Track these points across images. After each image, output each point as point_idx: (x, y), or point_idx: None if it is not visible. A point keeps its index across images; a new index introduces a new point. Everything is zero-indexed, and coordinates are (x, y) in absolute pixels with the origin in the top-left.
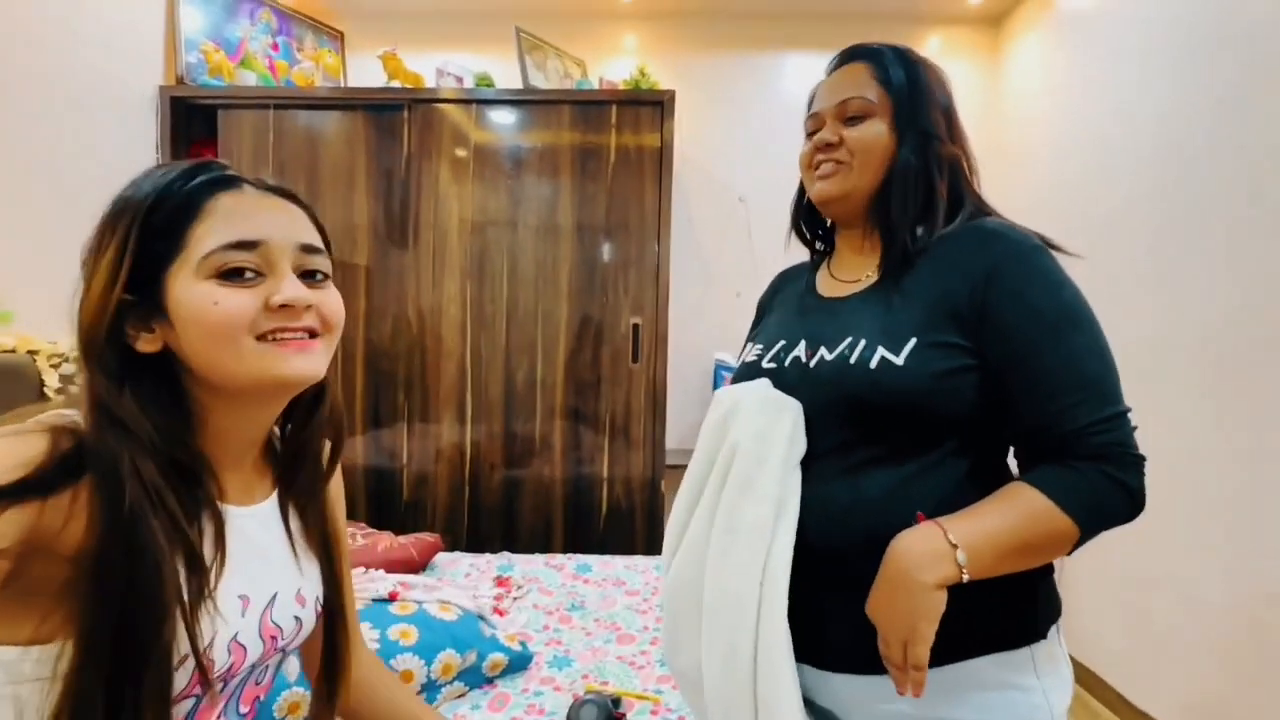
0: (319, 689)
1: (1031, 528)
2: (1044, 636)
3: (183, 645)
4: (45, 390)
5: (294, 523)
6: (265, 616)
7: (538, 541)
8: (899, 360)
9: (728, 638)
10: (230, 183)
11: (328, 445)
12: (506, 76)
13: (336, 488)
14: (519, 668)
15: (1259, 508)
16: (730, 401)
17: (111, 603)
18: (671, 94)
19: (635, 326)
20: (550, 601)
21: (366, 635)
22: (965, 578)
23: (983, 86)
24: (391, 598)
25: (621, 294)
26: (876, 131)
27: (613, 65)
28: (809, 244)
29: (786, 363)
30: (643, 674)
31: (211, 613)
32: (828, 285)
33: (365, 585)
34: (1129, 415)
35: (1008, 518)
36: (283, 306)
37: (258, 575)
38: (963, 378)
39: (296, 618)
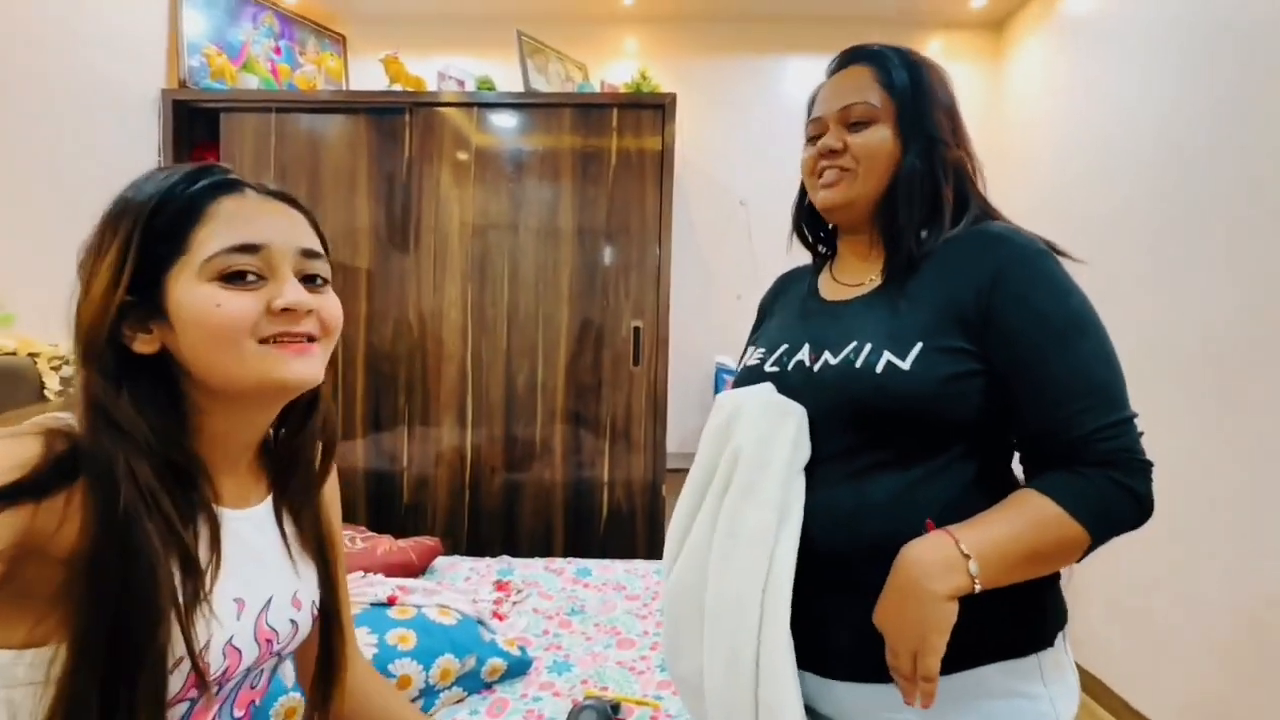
0: (313, 694)
1: (1042, 535)
2: (1051, 644)
3: (177, 648)
4: (46, 392)
5: (289, 526)
6: (260, 620)
7: (538, 545)
8: (905, 365)
9: (729, 644)
10: (232, 186)
11: (320, 450)
12: (508, 80)
13: (332, 492)
14: (518, 673)
15: (1260, 509)
16: (733, 406)
17: (106, 605)
18: (672, 97)
19: (636, 330)
20: (550, 606)
21: (365, 640)
22: (977, 588)
23: (984, 90)
24: (390, 602)
25: (622, 297)
26: (881, 137)
27: (614, 68)
28: (811, 247)
29: (790, 367)
30: (643, 679)
31: (207, 616)
32: (830, 289)
33: (364, 589)
34: (1135, 421)
35: (1018, 526)
36: (284, 310)
37: (253, 578)
38: (969, 382)
39: (292, 621)
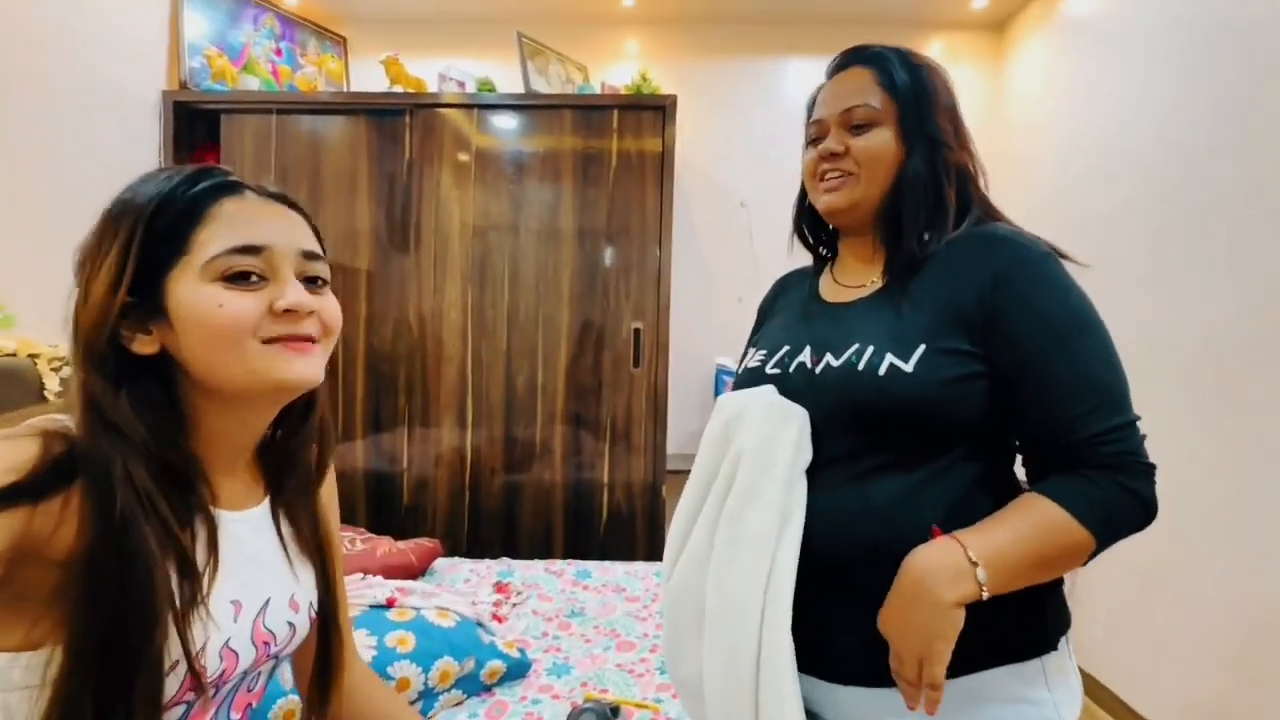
0: (310, 696)
1: (1049, 541)
2: (1054, 648)
3: (174, 651)
4: (46, 393)
5: (286, 528)
6: (258, 622)
7: (538, 547)
8: (908, 367)
9: (730, 647)
10: (233, 188)
11: (316, 452)
12: (508, 81)
13: (329, 494)
14: (517, 675)
15: (1260, 509)
16: (734, 408)
17: (102, 608)
18: (673, 99)
19: (636, 331)
20: (550, 608)
21: (364, 642)
22: (985, 595)
23: (986, 91)
24: (389, 604)
25: (623, 299)
26: (883, 140)
27: (614, 70)
28: (812, 248)
29: (791, 369)
30: (642, 682)
31: (204, 618)
32: (831, 290)
33: (363, 591)
34: (1138, 423)
35: (1025, 531)
36: (286, 311)
37: (250, 580)
38: (972, 384)
39: (290, 623)
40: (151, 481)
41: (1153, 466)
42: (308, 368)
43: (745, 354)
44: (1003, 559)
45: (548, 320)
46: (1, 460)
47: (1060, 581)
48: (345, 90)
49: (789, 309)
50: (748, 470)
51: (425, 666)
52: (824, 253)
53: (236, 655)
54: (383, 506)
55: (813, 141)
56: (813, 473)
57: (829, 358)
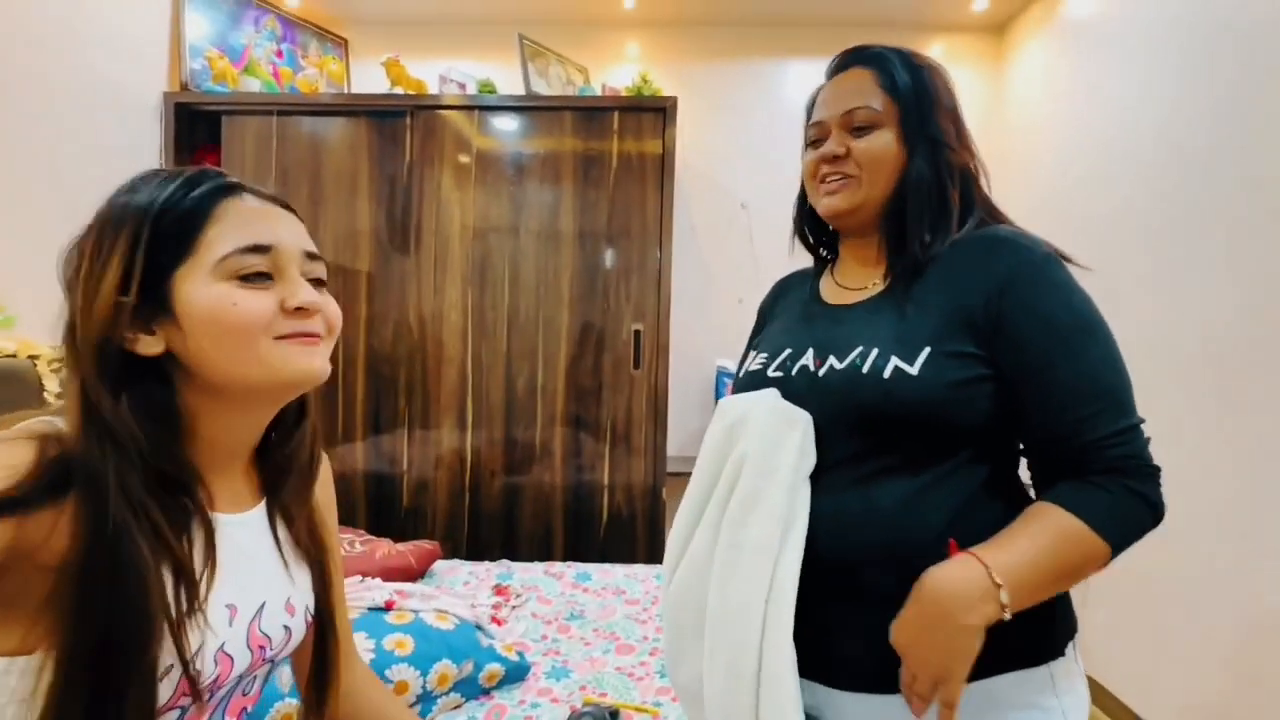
0: (308, 699)
1: (1068, 553)
2: (1062, 654)
3: (168, 656)
4: (45, 395)
5: (282, 531)
6: (253, 626)
7: (538, 549)
8: (913, 370)
9: (731, 652)
10: (234, 189)
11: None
12: (509, 83)
13: (327, 496)
14: (516, 679)
15: (1260, 510)
16: (736, 412)
17: (96, 616)
18: (673, 100)
19: (637, 333)
20: (549, 610)
21: (362, 645)
22: (1006, 616)
23: (986, 93)
24: (388, 606)
25: (623, 300)
26: (885, 142)
27: (615, 72)
28: (813, 250)
29: (794, 372)
30: (642, 685)
31: (202, 625)
32: (832, 292)
33: (361, 593)
34: (1142, 426)
35: (1043, 545)
36: (298, 309)
37: (246, 584)
38: (978, 387)
39: (285, 627)
40: (147, 489)
41: (1158, 469)
42: (319, 362)
43: (745, 356)
44: (1024, 577)
45: (548, 322)
46: None
47: None
48: (346, 92)
49: (789, 311)
50: (750, 475)
51: (423, 669)
52: (824, 254)
53: (232, 660)
54: (382, 508)
55: (813, 143)
56: (816, 476)
57: (832, 360)
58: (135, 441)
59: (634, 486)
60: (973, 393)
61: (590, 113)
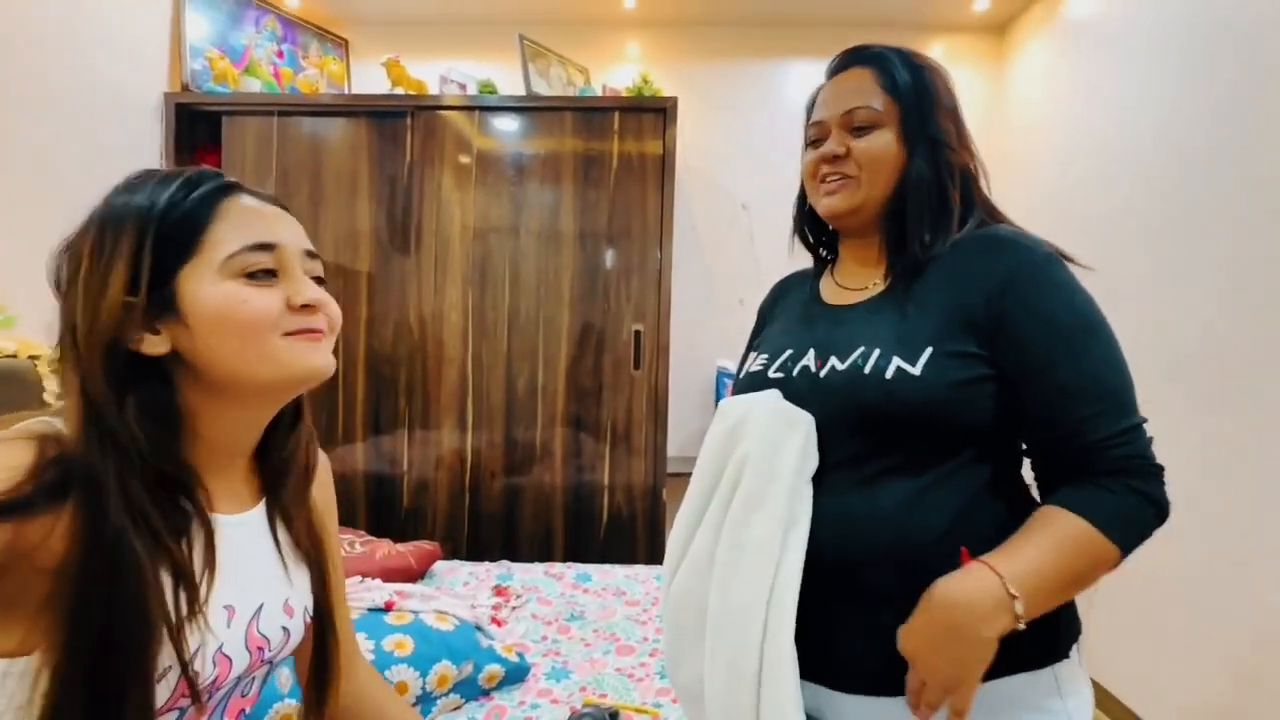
0: (308, 699)
1: (1079, 558)
2: (1066, 656)
3: (166, 658)
4: (46, 395)
5: (281, 532)
6: (251, 627)
7: (538, 549)
8: (915, 370)
9: (733, 655)
10: (233, 188)
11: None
12: (509, 83)
13: (327, 496)
14: (516, 680)
15: (1262, 512)
16: (737, 413)
17: (95, 620)
18: (674, 101)
19: (637, 333)
20: (549, 611)
21: (361, 645)
22: (1021, 626)
23: (987, 94)
24: (387, 607)
25: (623, 301)
26: (885, 142)
27: (615, 72)
28: (813, 250)
29: (794, 372)
30: (642, 686)
31: (201, 628)
32: (833, 293)
33: (361, 594)
34: (1145, 426)
35: (1056, 552)
36: (304, 306)
37: (245, 585)
38: (980, 387)
39: (284, 628)
40: (148, 491)
41: (1161, 468)
42: (325, 359)
43: (745, 358)
44: (1038, 585)
45: (548, 322)
46: None
47: None
48: (346, 92)
49: (789, 312)
50: (752, 477)
51: (423, 670)
52: (824, 254)
53: (230, 661)
54: (383, 509)
55: (813, 143)
56: (818, 477)
57: (834, 361)
58: (138, 443)
59: (634, 487)
60: (975, 393)
61: (591, 113)
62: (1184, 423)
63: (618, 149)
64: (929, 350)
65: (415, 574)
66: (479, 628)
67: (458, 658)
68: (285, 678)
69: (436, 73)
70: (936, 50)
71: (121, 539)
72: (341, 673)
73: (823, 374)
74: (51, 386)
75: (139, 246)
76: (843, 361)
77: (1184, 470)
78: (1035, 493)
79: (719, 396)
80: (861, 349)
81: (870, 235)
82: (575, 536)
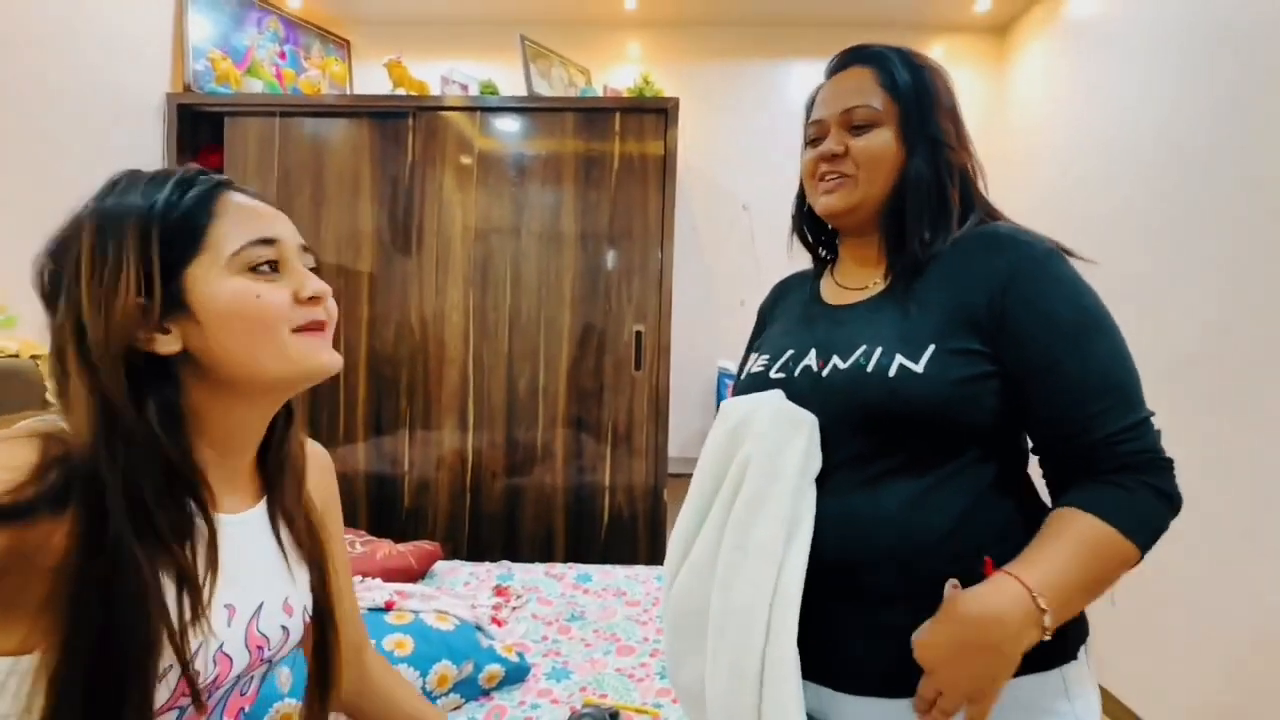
0: (309, 698)
1: (1101, 561)
2: (1074, 657)
3: (166, 657)
4: (48, 395)
5: (284, 531)
6: (251, 626)
7: (539, 550)
8: (918, 367)
9: (735, 656)
10: (225, 185)
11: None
12: (511, 84)
13: (331, 494)
14: (516, 680)
15: (1263, 513)
16: (739, 414)
17: (96, 623)
18: (675, 102)
19: (638, 334)
20: (549, 612)
21: None
22: (1047, 637)
23: (988, 94)
24: (388, 607)
25: (624, 301)
26: (884, 141)
27: (617, 73)
28: (812, 250)
29: (796, 373)
30: (642, 686)
31: (205, 632)
32: (833, 293)
33: (361, 594)
34: (1152, 419)
35: (1077, 559)
36: (311, 298)
37: (245, 584)
38: (983, 384)
39: (283, 627)
40: (155, 495)
41: (1171, 461)
42: (332, 355)
43: (746, 359)
44: (1065, 596)
45: (549, 323)
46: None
47: None
48: (348, 93)
49: (790, 313)
50: (755, 478)
51: (423, 670)
52: (824, 254)
53: (230, 660)
54: (383, 509)
55: (812, 142)
56: (822, 477)
57: (836, 360)
58: (152, 445)
59: (635, 488)
60: (978, 390)
61: (592, 114)
62: (1184, 423)
63: (619, 149)
64: (931, 348)
65: (416, 574)
66: (479, 628)
67: (458, 657)
68: (285, 677)
69: (438, 73)
70: (937, 51)
71: (124, 542)
72: (342, 671)
73: (825, 373)
74: (54, 387)
75: (144, 247)
76: (845, 360)
77: (1184, 470)
78: (1044, 490)
79: (720, 397)
80: (864, 347)
81: (869, 234)
82: (576, 537)
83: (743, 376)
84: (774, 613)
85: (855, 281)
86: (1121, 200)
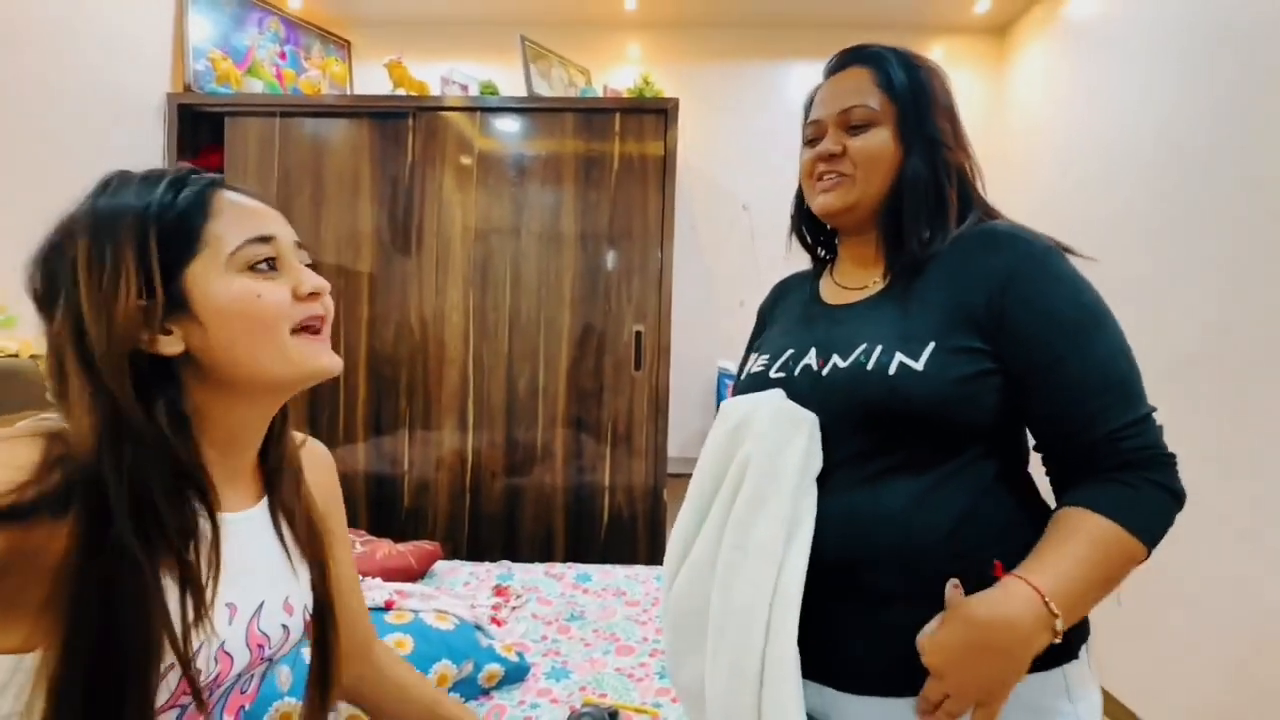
0: (309, 697)
1: (1110, 561)
2: (1076, 656)
3: (167, 656)
4: (48, 395)
5: (285, 529)
6: (252, 625)
7: (539, 550)
8: (919, 365)
9: (735, 656)
10: (218, 184)
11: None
12: (511, 84)
13: (333, 493)
14: (516, 679)
15: (1262, 513)
16: (739, 414)
17: (97, 624)
18: (675, 102)
19: (638, 334)
20: (549, 611)
21: None
22: (1058, 640)
23: (988, 95)
24: (387, 606)
25: (624, 302)
26: (881, 141)
27: (617, 74)
28: (811, 250)
29: (796, 372)
30: (641, 686)
31: (208, 633)
32: (832, 292)
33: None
34: (1154, 415)
35: (1086, 560)
36: (311, 294)
37: (246, 583)
38: (984, 382)
39: (284, 626)
40: (162, 495)
41: (1174, 456)
42: (332, 357)
43: (746, 359)
44: (1076, 599)
45: (549, 323)
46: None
47: None
48: (348, 93)
49: (789, 313)
50: (755, 478)
51: (423, 669)
52: (823, 254)
53: (231, 659)
54: (383, 509)
55: (810, 142)
56: (822, 477)
57: (836, 359)
58: (161, 446)
59: (635, 488)
60: (979, 388)
61: (592, 114)
62: (1184, 423)
63: (619, 150)
64: (931, 346)
65: (415, 574)
66: (479, 627)
67: (457, 657)
68: (285, 676)
69: (438, 74)
70: (937, 52)
71: (126, 543)
72: (342, 669)
73: (825, 372)
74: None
75: (142, 248)
76: (845, 359)
77: (1184, 470)
78: (1046, 489)
79: (720, 397)
80: (864, 346)
81: (868, 234)
82: (576, 537)
83: (743, 376)
84: (774, 612)
85: (854, 281)
86: (1122, 201)
